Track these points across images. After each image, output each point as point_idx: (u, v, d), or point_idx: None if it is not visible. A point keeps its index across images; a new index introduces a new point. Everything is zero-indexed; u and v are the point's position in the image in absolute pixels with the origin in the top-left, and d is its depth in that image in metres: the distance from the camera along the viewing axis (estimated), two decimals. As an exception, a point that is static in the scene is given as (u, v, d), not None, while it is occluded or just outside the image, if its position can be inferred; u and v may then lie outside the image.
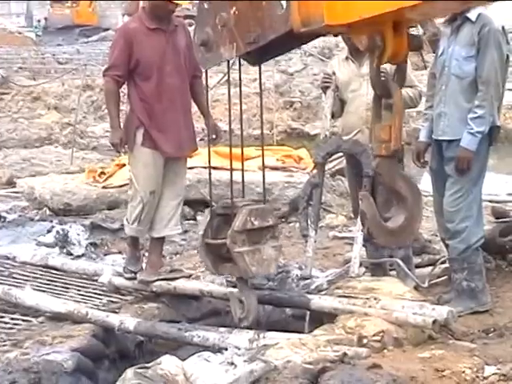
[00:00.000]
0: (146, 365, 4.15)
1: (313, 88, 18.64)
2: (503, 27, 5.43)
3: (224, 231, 4.58)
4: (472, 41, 5.37)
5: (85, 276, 6.35)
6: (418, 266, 6.17)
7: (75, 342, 4.94)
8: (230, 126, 4.80)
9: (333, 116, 6.01)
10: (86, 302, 5.71)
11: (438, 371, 4.10)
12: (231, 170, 4.66)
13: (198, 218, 8.47)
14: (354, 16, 3.28)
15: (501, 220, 6.60)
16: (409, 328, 4.61)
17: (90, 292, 6.03)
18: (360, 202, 3.74)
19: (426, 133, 5.75)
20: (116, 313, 5.47)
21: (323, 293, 5.31)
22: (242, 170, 4.72)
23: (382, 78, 3.56)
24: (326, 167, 6.07)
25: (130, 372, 4.05)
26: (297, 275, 5.84)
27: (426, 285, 5.69)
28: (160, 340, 5.25)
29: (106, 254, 7.30)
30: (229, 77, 4.45)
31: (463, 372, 4.11)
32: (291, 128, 17.93)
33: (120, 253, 7.25)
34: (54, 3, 45.65)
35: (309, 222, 5.60)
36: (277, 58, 15.74)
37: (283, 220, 8.41)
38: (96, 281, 6.15)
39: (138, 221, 5.81)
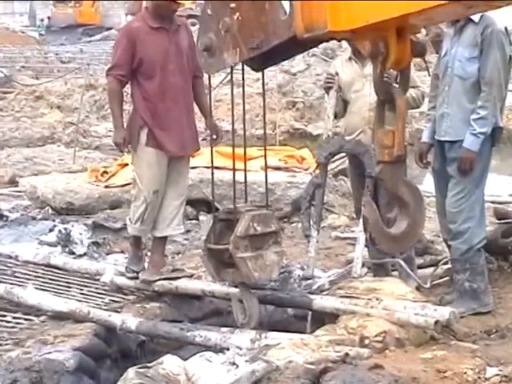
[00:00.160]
0: (148, 364, 4.15)
1: (316, 88, 18.62)
2: (506, 28, 5.44)
3: (227, 236, 4.59)
4: (475, 42, 5.37)
5: (87, 275, 6.35)
6: (420, 267, 6.17)
7: (77, 342, 4.94)
8: (232, 125, 4.80)
9: (335, 116, 6.01)
10: (87, 302, 5.71)
11: (439, 372, 4.10)
12: (234, 170, 4.66)
13: (201, 217, 8.48)
14: (358, 22, 3.28)
15: (503, 221, 6.59)
16: (411, 329, 4.61)
17: (91, 291, 6.03)
18: (362, 207, 3.74)
19: (428, 133, 5.75)
20: (118, 312, 5.47)
21: (325, 293, 5.31)
22: (245, 170, 4.72)
23: (385, 80, 3.56)
24: (329, 167, 6.06)
25: (131, 372, 4.05)
26: (299, 275, 5.85)
27: (428, 285, 5.68)
28: (162, 340, 5.25)
29: (108, 254, 7.30)
30: (232, 77, 4.45)
31: (465, 373, 4.11)
32: (294, 128, 17.91)
33: (122, 252, 7.25)
34: (57, 3, 45.65)
35: (311, 223, 5.60)
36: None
37: (285, 220, 8.41)
38: (98, 280, 6.15)
39: (140, 220, 5.81)
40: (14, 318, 5.54)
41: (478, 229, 5.55)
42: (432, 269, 6.08)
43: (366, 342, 4.49)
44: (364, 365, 4.09)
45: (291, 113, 18.39)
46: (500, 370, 4.17)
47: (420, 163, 5.80)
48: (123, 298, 5.87)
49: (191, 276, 5.91)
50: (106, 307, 5.62)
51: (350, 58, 5.96)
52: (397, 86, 3.60)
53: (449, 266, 5.96)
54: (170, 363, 4.13)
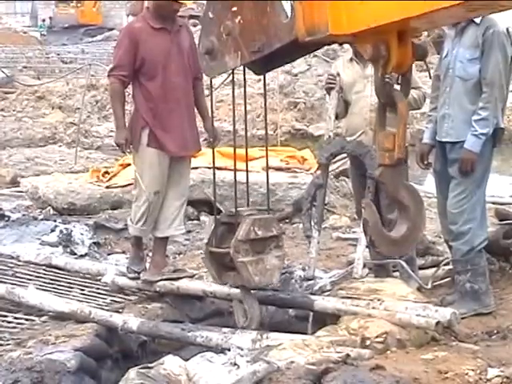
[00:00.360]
0: (149, 365, 4.15)
1: (317, 89, 18.65)
2: (507, 29, 5.43)
3: (228, 240, 4.60)
4: (476, 43, 5.37)
5: (88, 275, 6.35)
6: (421, 268, 6.17)
7: (78, 342, 4.93)
8: (234, 126, 4.81)
9: (337, 117, 6.02)
10: (89, 302, 5.71)
11: (441, 373, 4.10)
12: (235, 170, 4.66)
13: (202, 218, 8.48)
14: (359, 25, 3.28)
15: (504, 222, 6.59)
16: (412, 329, 4.61)
17: (93, 291, 6.03)
18: (362, 210, 3.74)
19: (429, 134, 5.75)
20: (119, 312, 5.47)
21: (326, 294, 5.31)
22: (247, 170, 4.73)
23: (387, 83, 3.56)
24: (330, 168, 6.05)
25: (132, 372, 4.05)
26: (300, 276, 5.85)
27: (429, 286, 5.68)
28: (163, 340, 5.25)
29: (109, 254, 7.31)
30: (233, 77, 4.45)
31: (466, 374, 4.11)
32: (295, 129, 17.93)
33: (123, 252, 7.26)
34: (58, 3, 45.72)
35: (312, 223, 5.60)
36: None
37: (287, 221, 8.41)
38: (99, 280, 6.15)
39: (142, 221, 5.82)
40: (16, 318, 5.54)
41: (479, 230, 5.55)
42: (433, 270, 6.08)
43: (368, 342, 4.49)
44: (365, 366, 4.09)
45: (292, 113, 18.41)
46: (501, 371, 4.16)
47: (421, 164, 5.80)
48: (124, 299, 5.87)
49: (192, 276, 5.91)
50: (107, 307, 5.61)
51: (351, 59, 5.96)
52: (398, 88, 3.60)
53: (450, 266, 5.96)
54: (171, 363, 4.13)
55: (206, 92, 5.89)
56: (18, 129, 17.47)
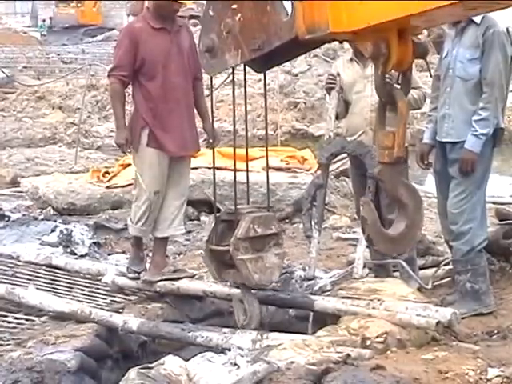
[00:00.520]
0: (149, 365, 4.15)
1: (317, 89, 18.63)
2: (508, 29, 5.44)
3: (228, 238, 4.60)
4: (476, 43, 5.37)
5: (88, 276, 6.36)
6: (421, 268, 6.17)
7: (78, 342, 4.94)
8: (234, 126, 4.81)
9: (337, 117, 6.02)
10: (89, 302, 5.71)
11: (441, 373, 4.10)
12: (235, 170, 4.66)
13: (202, 218, 8.48)
14: (359, 23, 3.28)
15: (504, 222, 6.59)
16: (412, 329, 4.61)
17: (93, 292, 6.03)
18: (361, 207, 3.74)
19: (429, 134, 5.75)
20: (119, 313, 5.48)
21: (327, 294, 5.31)
22: (247, 170, 4.73)
23: (387, 82, 3.56)
24: (330, 168, 6.05)
25: (133, 372, 4.05)
26: (300, 276, 5.85)
27: (429, 286, 5.68)
28: (163, 340, 5.25)
29: (109, 254, 7.31)
30: (233, 77, 4.45)
31: (466, 374, 4.11)
32: (295, 129, 17.92)
33: (124, 253, 7.25)
34: (58, 3, 45.70)
35: (312, 223, 5.60)
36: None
37: (287, 221, 8.41)
38: (99, 280, 6.16)
39: (142, 221, 5.82)
40: (16, 318, 5.54)
41: (479, 230, 5.55)
42: (433, 270, 6.08)
43: (368, 342, 4.49)
44: (365, 366, 4.09)
45: (293, 113, 18.40)
46: (501, 371, 4.16)
47: (421, 164, 5.80)
48: (124, 299, 5.87)
49: (193, 276, 5.92)
50: (107, 308, 5.62)
51: (351, 59, 5.96)
52: (398, 87, 3.60)
53: (450, 266, 5.96)
54: (171, 364, 4.13)
55: (206, 92, 5.88)
56: (18, 129, 17.46)
